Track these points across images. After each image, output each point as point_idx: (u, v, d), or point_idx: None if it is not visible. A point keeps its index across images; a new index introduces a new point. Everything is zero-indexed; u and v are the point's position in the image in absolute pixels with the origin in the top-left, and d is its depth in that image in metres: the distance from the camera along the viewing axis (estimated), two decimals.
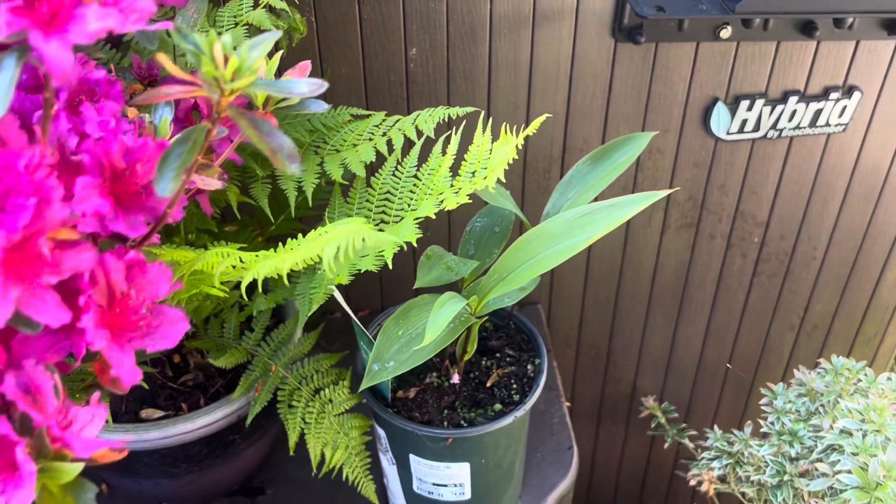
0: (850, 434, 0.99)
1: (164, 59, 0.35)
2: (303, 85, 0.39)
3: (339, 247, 0.48)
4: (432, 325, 0.64)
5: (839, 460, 0.99)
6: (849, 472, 0.94)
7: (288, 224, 0.93)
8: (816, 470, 1.04)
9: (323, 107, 0.49)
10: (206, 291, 0.57)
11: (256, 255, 0.52)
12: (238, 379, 0.92)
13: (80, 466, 0.41)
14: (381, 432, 0.94)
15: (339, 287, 0.76)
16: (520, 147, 0.64)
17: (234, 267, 0.52)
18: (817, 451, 1.04)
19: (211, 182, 0.53)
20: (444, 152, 0.76)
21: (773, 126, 1.20)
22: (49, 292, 0.38)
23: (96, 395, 0.45)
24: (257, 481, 1.07)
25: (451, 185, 0.71)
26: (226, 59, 0.37)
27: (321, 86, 0.39)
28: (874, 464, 0.92)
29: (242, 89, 0.38)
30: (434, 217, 0.74)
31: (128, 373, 0.45)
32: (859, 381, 1.09)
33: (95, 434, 0.43)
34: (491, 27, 1.06)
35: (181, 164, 0.39)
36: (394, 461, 0.96)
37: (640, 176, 1.23)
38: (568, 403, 1.18)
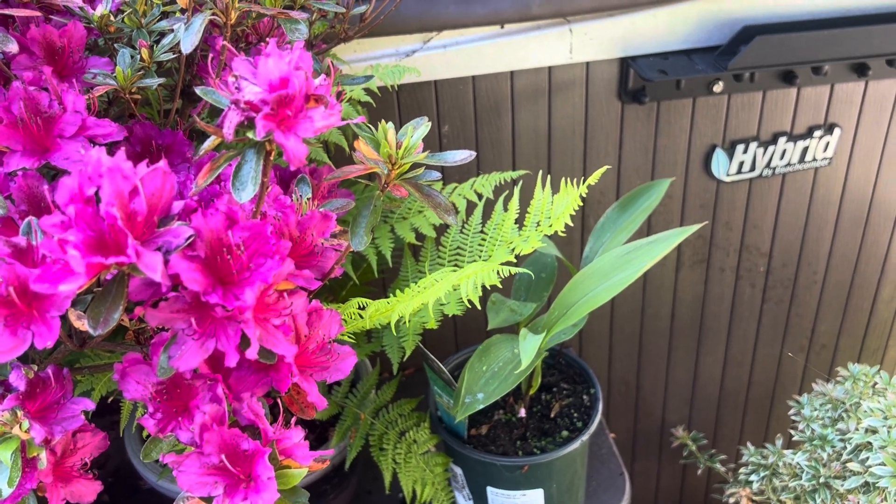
0: (876, 431, 1.10)
1: (361, 145, 0.47)
2: (458, 155, 0.51)
3: (473, 279, 0.60)
4: (525, 352, 0.75)
5: (868, 457, 1.09)
6: (882, 464, 1.05)
7: (358, 289, 1.04)
8: (848, 470, 1.15)
9: (437, 175, 0.61)
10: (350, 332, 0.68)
11: (388, 301, 0.63)
12: (325, 434, 1.01)
13: (304, 471, 0.51)
14: (457, 470, 1.03)
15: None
16: (584, 195, 0.76)
17: (374, 310, 0.63)
18: (847, 451, 1.14)
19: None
20: (505, 208, 0.88)
21: (767, 165, 1.34)
22: (278, 331, 0.49)
23: (293, 419, 0.55)
24: None
25: (519, 235, 0.83)
26: (398, 143, 0.49)
27: (471, 155, 0.51)
28: None
29: (413, 162, 0.49)
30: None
31: (318, 399, 0.56)
32: (875, 384, 1.20)
33: (306, 448, 0.53)
34: (513, 101, 1.20)
35: (368, 224, 0.50)
36: (470, 497, 1.05)
37: (654, 220, 1.36)
38: (613, 434, 1.28)
